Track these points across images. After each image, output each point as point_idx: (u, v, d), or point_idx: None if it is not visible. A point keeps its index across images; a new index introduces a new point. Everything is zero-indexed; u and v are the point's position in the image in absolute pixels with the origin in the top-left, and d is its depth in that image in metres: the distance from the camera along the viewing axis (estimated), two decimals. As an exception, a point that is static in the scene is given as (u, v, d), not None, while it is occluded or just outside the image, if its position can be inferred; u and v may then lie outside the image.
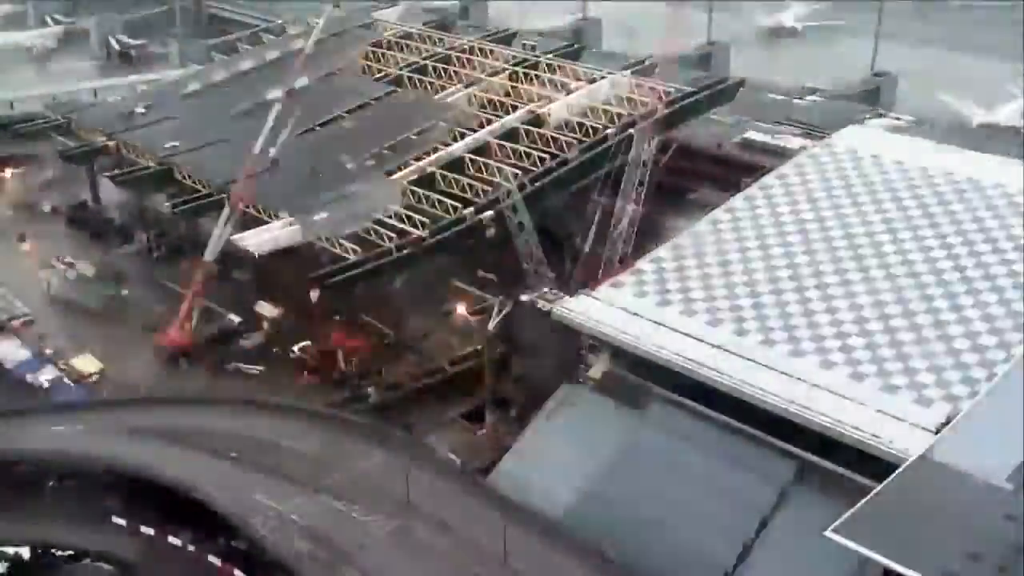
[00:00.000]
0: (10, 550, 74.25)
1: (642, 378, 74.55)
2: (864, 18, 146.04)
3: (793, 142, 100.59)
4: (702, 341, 72.35)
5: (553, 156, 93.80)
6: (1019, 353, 66.47)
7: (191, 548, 71.85)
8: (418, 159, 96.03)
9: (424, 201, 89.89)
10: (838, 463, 65.06)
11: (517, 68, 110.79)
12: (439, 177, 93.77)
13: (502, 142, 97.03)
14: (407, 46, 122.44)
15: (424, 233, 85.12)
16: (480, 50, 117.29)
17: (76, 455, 76.76)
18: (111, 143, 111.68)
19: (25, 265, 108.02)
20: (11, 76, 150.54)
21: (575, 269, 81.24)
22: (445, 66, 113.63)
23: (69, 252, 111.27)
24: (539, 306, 77.85)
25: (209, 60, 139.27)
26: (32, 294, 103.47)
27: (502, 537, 63.16)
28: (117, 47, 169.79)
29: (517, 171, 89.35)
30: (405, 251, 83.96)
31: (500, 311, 79.22)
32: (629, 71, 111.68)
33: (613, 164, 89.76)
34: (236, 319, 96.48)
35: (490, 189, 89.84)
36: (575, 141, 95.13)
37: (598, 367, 77.28)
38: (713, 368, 69.65)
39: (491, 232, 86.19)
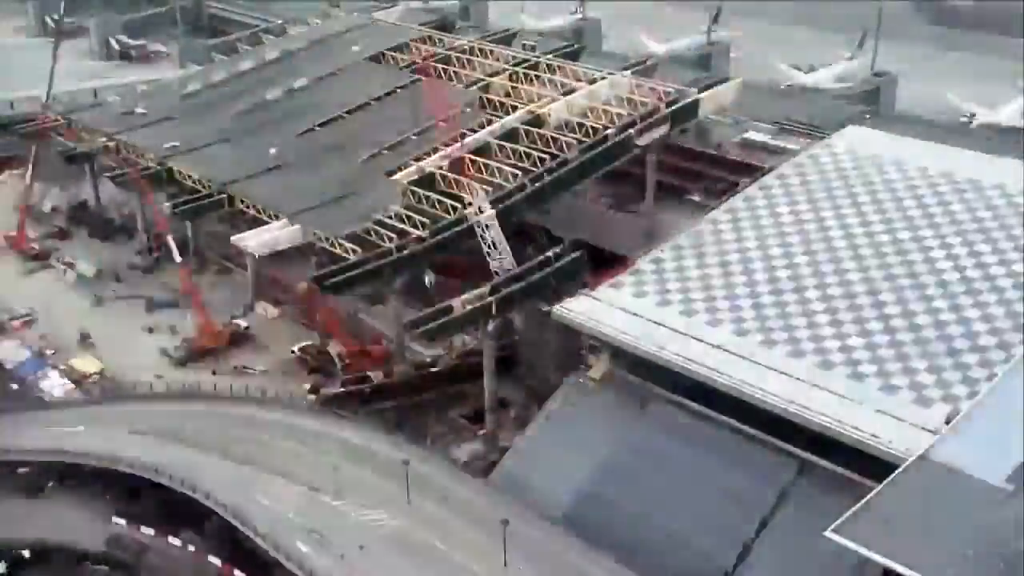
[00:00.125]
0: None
1: (642, 378, 74.57)
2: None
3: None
4: (702, 341, 72.37)
5: (553, 156, 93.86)
6: (1019, 353, 66.47)
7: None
8: (418, 159, 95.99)
9: (424, 201, 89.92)
10: (838, 463, 65.06)
11: (517, 68, 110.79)
12: (439, 177, 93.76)
13: (502, 142, 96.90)
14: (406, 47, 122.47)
15: (424, 233, 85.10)
16: (480, 51, 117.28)
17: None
18: (111, 143, 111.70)
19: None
20: (11, 76, 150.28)
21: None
22: (445, 66, 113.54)
23: (70, 251, 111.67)
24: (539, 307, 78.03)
25: (209, 60, 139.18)
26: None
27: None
28: (117, 47, 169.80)
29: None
30: (405, 251, 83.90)
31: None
32: (629, 71, 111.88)
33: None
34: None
35: (490, 189, 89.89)
36: (575, 141, 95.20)
37: (598, 367, 77.32)
38: (713, 368, 69.66)
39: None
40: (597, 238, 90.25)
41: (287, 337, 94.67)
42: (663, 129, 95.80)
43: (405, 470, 69.52)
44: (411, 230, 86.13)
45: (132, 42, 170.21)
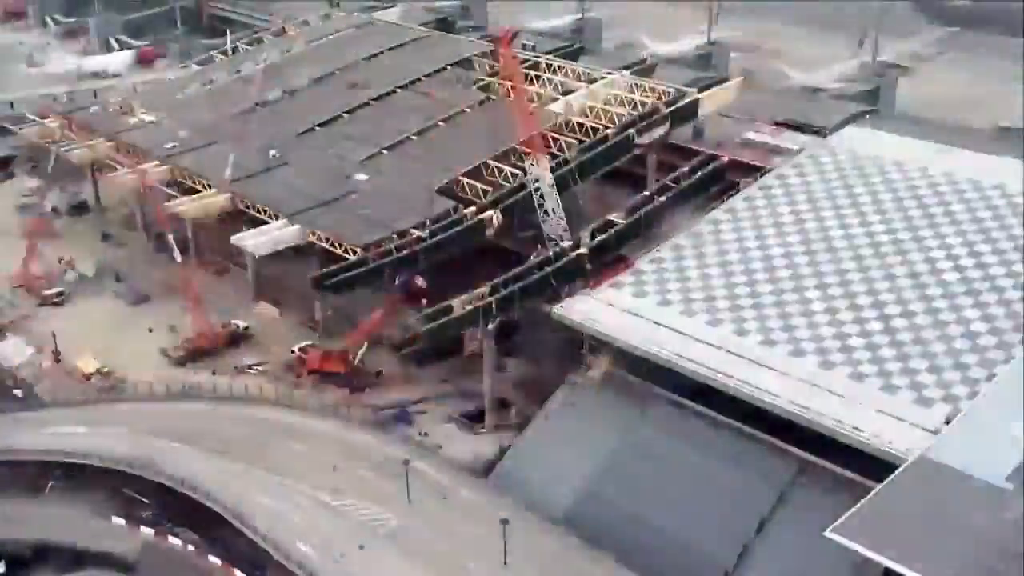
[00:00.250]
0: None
1: (642, 378, 74.58)
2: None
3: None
4: (702, 341, 72.39)
5: (553, 156, 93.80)
6: (1019, 353, 66.48)
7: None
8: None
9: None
10: (838, 463, 65.08)
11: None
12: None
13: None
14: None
15: (424, 233, 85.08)
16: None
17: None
18: (111, 143, 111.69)
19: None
20: (11, 77, 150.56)
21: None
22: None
23: (70, 251, 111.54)
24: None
25: (209, 60, 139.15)
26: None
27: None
28: (118, 47, 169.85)
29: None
30: (405, 251, 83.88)
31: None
32: (629, 71, 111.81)
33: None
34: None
35: (490, 190, 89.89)
36: (575, 141, 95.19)
37: (598, 367, 77.36)
38: (713, 368, 69.67)
39: (491, 231, 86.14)
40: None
41: (288, 337, 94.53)
42: (663, 129, 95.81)
43: (405, 470, 69.70)
44: (413, 230, 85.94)
45: (132, 42, 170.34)
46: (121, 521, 74.89)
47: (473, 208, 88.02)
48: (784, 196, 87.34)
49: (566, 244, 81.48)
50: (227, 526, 70.95)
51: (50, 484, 78.75)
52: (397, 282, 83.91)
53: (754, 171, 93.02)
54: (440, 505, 69.81)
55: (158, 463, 75.58)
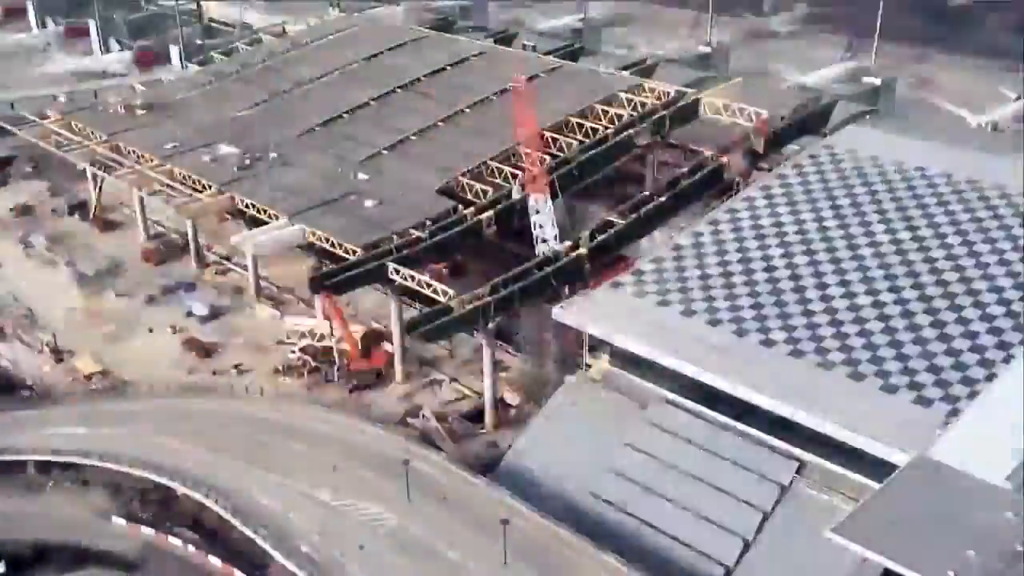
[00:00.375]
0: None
1: (642, 378, 74.61)
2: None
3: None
4: (702, 341, 72.39)
5: (553, 156, 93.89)
6: (1019, 353, 66.51)
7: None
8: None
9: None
10: (838, 463, 65.13)
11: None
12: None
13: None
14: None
15: (423, 234, 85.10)
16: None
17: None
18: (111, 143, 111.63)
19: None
20: (11, 76, 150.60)
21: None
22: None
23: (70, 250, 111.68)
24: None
25: (209, 60, 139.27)
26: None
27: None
28: (118, 47, 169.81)
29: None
30: (405, 251, 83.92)
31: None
32: (629, 71, 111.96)
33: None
34: None
35: (490, 190, 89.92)
36: (575, 142, 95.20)
37: (598, 367, 77.40)
38: (713, 368, 69.69)
39: (491, 230, 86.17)
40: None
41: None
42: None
43: (405, 470, 69.73)
44: (413, 231, 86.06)
45: (132, 42, 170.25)
46: (121, 521, 74.95)
47: (472, 208, 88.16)
48: (784, 196, 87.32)
49: (561, 247, 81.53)
50: (227, 526, 71.03)
51: (50, 484, 78.79)
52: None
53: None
54: (440, 505, 69.84)
55: (159, 463, 75.61)
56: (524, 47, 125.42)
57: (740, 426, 69.44)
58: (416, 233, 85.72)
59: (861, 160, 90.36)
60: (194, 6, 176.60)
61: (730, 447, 69.26)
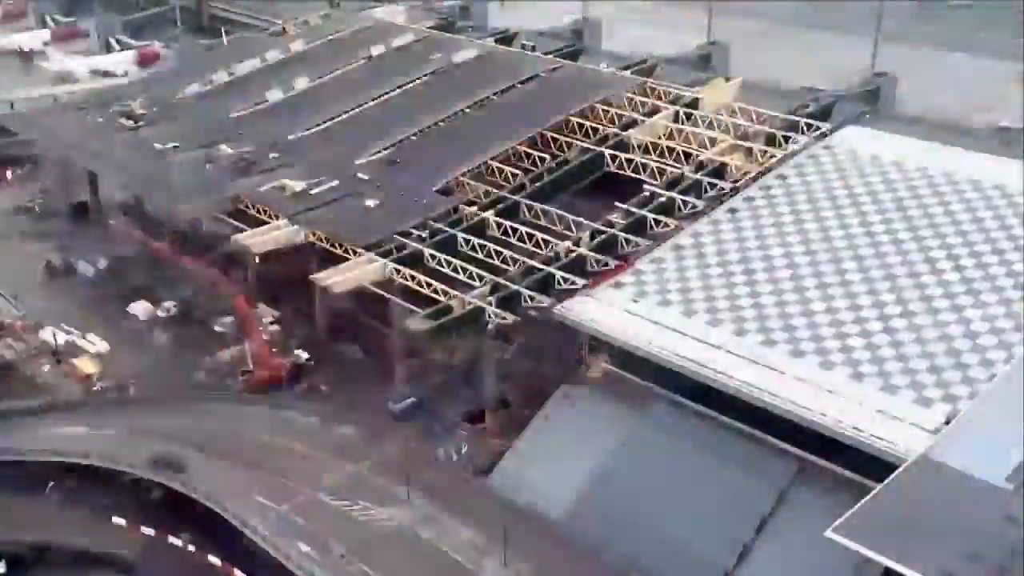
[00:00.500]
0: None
1: (642, 378, 74.61)
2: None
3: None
4: (702, 341, 72.40)
5: (553, 156, 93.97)
6: (1019, 353, 66.47)
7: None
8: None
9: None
10: (838, 463, 65.13)
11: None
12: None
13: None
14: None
15: (424, 233, 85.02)
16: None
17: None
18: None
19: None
20: (11, 76, 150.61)
21: None
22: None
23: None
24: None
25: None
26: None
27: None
28: (117, 47, 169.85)
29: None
30: (405, 251, 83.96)
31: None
32: (629, 71, 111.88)
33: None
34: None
35: (492, 190, 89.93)
36: (575, 141, 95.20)
37: (598, 367, 77.38)
38: (713, 368, 69.68)
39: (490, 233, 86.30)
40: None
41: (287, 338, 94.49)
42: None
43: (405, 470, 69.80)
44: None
45: (132, 42, 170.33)
46: (121, 521, 74.92)
47: (474, 207, 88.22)
48: (784, 196, 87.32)
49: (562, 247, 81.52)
50: (227, 526, 71.01)
51: (50, 484, 78.76)
52: None
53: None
54: (440, 505, 69.82)
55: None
56: (524, 47, 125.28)
57: (740, 426, 69.44)
58: (416, 233, 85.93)
59: (861, 160, 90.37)
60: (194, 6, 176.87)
61: (730, 447, 69.26)
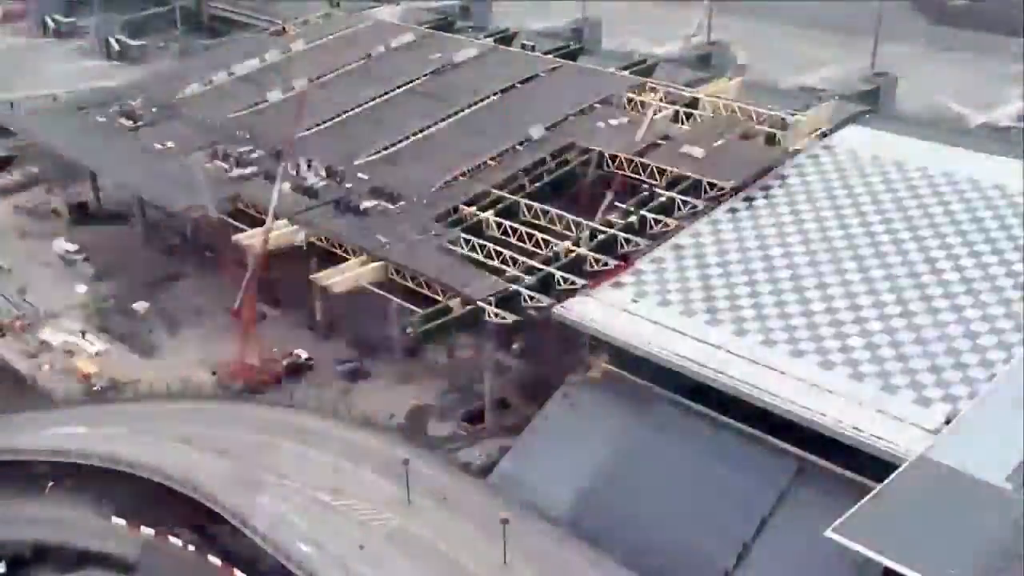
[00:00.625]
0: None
1: (642, 378, 74.59)
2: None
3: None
4: (702, 341, 72.39)
5: (554, 156, 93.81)
6: (1019, 353, 66.47)
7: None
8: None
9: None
10: (838, 463, 65.12)
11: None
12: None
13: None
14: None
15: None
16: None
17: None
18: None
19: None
20: (11, 76, 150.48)
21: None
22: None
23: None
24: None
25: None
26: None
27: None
28: (117, 47, 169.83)
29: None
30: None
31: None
32: (629, 71, 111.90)
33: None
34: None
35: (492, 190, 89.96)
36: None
37: (598, 367, 77.37)
38: (713, 368, 69.68)
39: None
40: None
41: (285, 339, 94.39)
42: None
43: (405, 469, 69.74)
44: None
45: (132, 42, 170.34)
46: (121, 521, 74.96)
47: (473, 207, 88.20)
48: (784, 196, 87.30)
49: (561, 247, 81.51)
50: (227, 526, 71.08)
51: (50, 484, 78.79)
52: None
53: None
54: (440, 505, 69.84)
55: (158, 463, 75.63)
56: (524, 47, 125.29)
57: (740, 426, 69.43)
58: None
59: (861, 160, 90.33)
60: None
61: (730, 447, 69.25)
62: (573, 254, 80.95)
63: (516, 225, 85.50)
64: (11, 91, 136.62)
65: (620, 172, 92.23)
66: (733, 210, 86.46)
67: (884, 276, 76.07)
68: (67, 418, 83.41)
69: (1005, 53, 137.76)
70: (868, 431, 62.80)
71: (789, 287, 76.77)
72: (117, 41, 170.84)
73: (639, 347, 73.26)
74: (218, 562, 71.13)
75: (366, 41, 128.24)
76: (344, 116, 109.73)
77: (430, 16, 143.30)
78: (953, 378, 65.96)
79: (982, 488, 55.57)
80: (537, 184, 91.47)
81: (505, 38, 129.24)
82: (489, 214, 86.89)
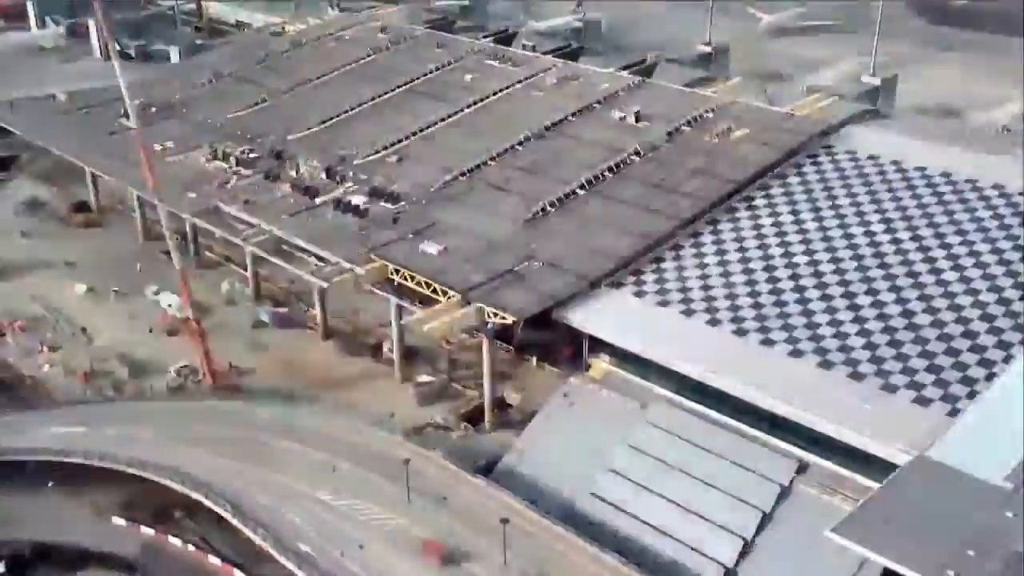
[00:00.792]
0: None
1: (642, 378, 74.63)
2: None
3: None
4: (702, 341, 72.42)
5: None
6: (1019, 353, 66.53)
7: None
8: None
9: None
10: (838, 463, 65.17)
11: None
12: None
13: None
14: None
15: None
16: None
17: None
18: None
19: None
20: (12, 76, 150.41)
21: None
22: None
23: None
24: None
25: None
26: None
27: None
28: (118, 47, 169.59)
29: None
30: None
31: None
32: (628, 71, 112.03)
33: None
34: None
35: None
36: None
37: (598, 367, 77.40)
38: (713, 368, 69.71)
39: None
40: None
41: (285, 338, 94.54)
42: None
43: (405, 469, 69.74)
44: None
45: (132, 42, 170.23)
46: (121, 521, 74.96)
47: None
48: (783, 196, 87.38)
49: None
50: (227, 526, 71.06)
51: (50, 484, 78.79)
52: None
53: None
54: (440, 505, 69.85)
55: (158, 463, 75.65)
56: (524, 47, 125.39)
57: (740, 426, 69.48)
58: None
59: (861, 160, 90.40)
60: (194, 6, 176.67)
61: (730, 447, 69.27)
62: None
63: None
64: (11, 91, 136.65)
65: None
66: (733, 210, 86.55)
67: (883, 276, 76.15)
68: (67, 417, 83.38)
69: (1005, 53, 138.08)
70: (868, 431, 62.87)
71: (789, 287, 76.84)
72: (117, 41, 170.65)
73: (639, 347, 73.29)
74: (218, 562, 71.12)
75: (366, 41, 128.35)
76: (344, 116, 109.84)
77: (430, 16, 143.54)
78: (953, 378, 66.03)
79: (982, 488, 55.61)
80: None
81: (505, 38, 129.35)
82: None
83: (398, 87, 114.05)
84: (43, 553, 73.87)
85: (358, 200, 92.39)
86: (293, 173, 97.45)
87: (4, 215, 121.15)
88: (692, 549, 65.55)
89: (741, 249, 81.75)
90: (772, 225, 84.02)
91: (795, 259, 79.77)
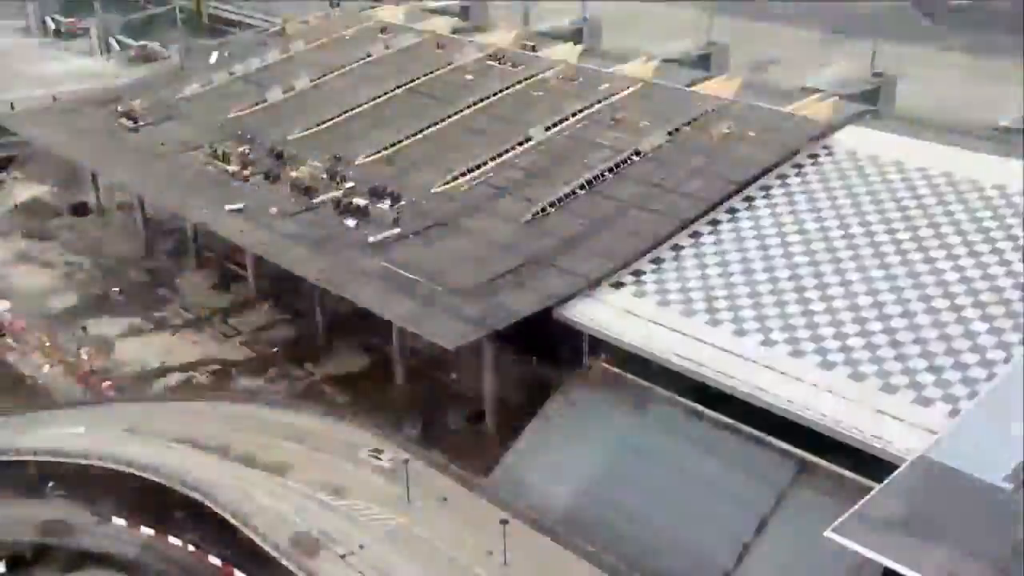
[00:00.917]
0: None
1: (642, 378, 74.60)
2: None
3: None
4: (702, 341, 72.39)
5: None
6: (1019, 353, 66.47)
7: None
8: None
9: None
10: (838, 463, 65.11)
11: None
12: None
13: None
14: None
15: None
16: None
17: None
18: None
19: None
20: (11, 76, 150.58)
21: None
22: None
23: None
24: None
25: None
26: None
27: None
28: (117, 47, 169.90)
29: None
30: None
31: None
32: (628, 71, 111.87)
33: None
34: None
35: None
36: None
37: (598, 367, 77.36)
38: (713, 368, 69.69)
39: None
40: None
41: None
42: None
43: (405, 469, 69.76)
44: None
45: (132, 42, 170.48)
46: (121, 521, 74.93)
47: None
48: (783, 196, 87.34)
49: None
50: (227, 526, 71.00)
51: (50, 484, 78.76)
52: None
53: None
54: (440, 505, 69.84)
55: (158, 463, 75.58)
56: (524, 47, 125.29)
57: (740, 426, 69.44)
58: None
59: (861, 160, 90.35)
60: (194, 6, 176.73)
61: (730, 447, 69.24)
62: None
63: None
64: (11, 91, 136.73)
65: None
66: (732, 210, 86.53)
67: (884, 276, 76.06)
68: (67, 417, 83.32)
69: (1005, 53, 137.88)
70: (868, 431, 62.82)
71: (789, 287, 76.79)
72: (117, 41, 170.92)
73: (639, 347, 73.29)
74: (218, 562, 71.09)
75: (366, 41, 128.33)
76: (344, 116, 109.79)
77: (430, 15, 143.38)
78: (953, 378, 65.96)
79: (982, 488, 55.56)
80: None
81: (505, 38, 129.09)
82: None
83: (398, 87, 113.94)
84: (43, 553, 73.95)
85: (358, 200, 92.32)
86: (293, 173, 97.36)
87: (4, 215, 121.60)
88: (691, 550, 65.51)
89: (741, 249, 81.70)
90: (772, 225, 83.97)
91: (795, 259, 79.72)
